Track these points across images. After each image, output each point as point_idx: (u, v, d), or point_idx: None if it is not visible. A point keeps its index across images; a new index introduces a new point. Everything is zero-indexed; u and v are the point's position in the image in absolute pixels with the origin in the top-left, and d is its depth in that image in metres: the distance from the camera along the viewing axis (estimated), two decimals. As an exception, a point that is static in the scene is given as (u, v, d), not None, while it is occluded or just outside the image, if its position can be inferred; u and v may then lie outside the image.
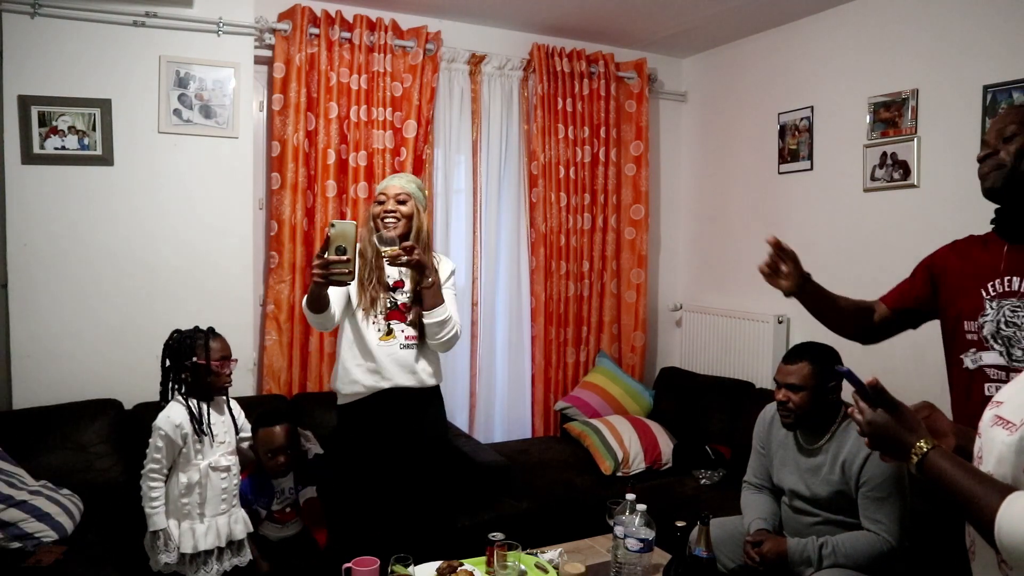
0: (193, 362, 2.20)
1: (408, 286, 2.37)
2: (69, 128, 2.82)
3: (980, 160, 1.62)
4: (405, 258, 2.17)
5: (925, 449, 1.08)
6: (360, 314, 2.33)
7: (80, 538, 2.35)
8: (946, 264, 1.80)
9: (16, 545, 2.22)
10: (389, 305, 2.35)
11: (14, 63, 2.76)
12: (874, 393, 1.15)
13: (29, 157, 2.78)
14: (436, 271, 2.32)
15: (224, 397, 2.35)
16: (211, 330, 2.29)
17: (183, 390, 2.23)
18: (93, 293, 2.90)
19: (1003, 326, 1.60)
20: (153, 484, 2.15)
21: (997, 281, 1.63)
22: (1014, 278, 1.60)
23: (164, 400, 2.23)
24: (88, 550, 2.29)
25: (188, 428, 2.16)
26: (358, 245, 2.23)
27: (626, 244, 4.07)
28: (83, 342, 2.89)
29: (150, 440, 2.17)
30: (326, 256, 2.03)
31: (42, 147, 2.79)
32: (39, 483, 2.42)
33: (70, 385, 2.85)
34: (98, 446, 2.72)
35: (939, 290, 1.80)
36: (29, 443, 2.60)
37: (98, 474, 2.67)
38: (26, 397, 2.80)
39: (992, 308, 1.63)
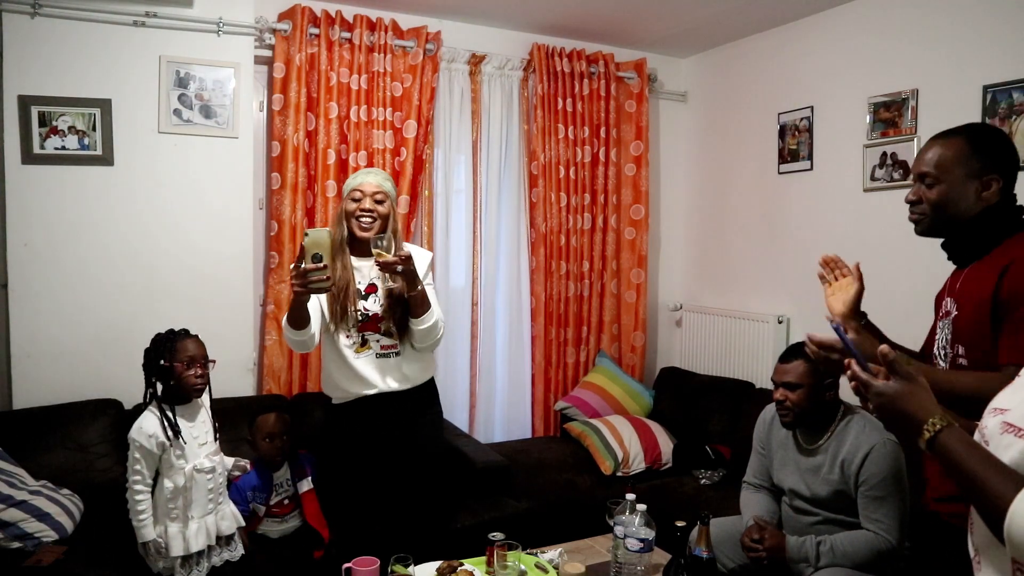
0: (160, 365, 2.18)
1: (381, 291, 2.27)
2: (69, 128, 2.83)
3: (907, 202, 1.66)
4: (401, 268, 2.09)
5: (939, 427, 1.03)
6: (332, 327, 2.27)
7: (80, 538, 2.35)
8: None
9: (16, 545, 2.22)
10: (361, 317, 2.26)
11: (14, 63, 2.76)
12: (886, 364, 1.10)
13: (29, 157, 2.78)
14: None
15: (202, 400, 2.30)
16: (183, 331, 2.26)
17: (160, 395, 2.20)
18: (93, 293, 2.90)
19: (945, 344, 1.63)
20: (139, 497, 2.12)
21: (944, 303, 1.67)
22: (948, 299, 1.65)
23: (143, 405, 2.20)
24: (88, 550, 2.29)
25: (162, 436, 2.13)
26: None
27: (626, 244, 4.06)
28: (83, 342, 2.89)
29: (128, 454, 2.14)
30: (303, 266, 2.00)
31: (42, 147, 2.79)
32: (39, 483, 2.42)
33: (70, 385, 2.85)
34: (98, 446, 2.72)
35: None
36: (29, 443, 2.60)
37: (98, 474, 2.67)
38: (26, 397, 2.80)
39: (939, 329, 1.67)
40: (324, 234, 2.03)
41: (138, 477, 2.13)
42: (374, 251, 2.11)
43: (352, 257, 2.30)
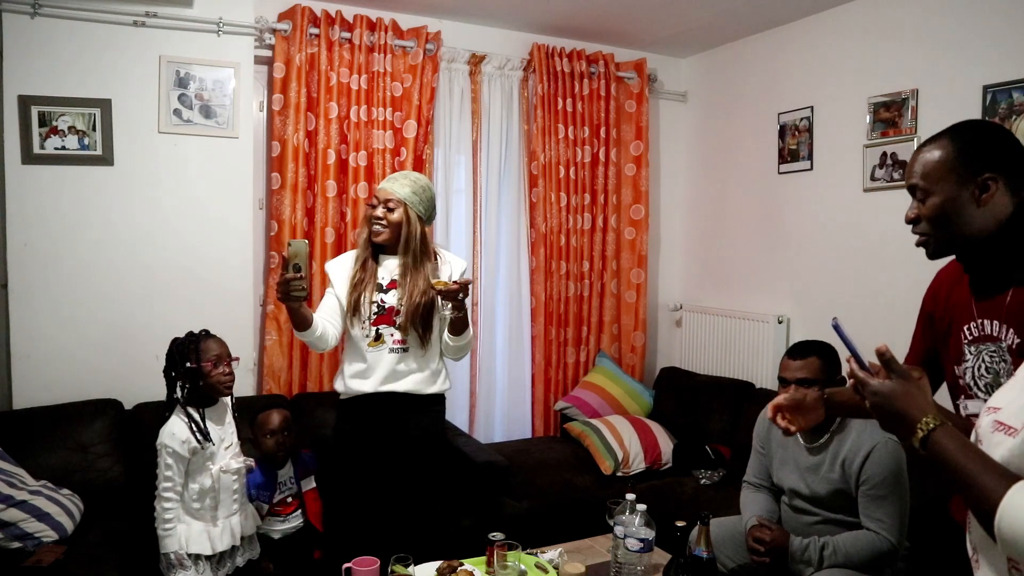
0: (187, 367, 2.18)
1: (402, 288, 2.30)
2: (69, 128, 2.83)
3: (907, 222, 1.48)
4: (462, 296, 2.20)
5: (932, 426, 1.04)
6: (350, 316, 2.33)
7: (80, 538, 2.35)
8: (934, 306, 1.64)
9: (16, 545, 2.22)
10: (376, 310, 2.30)
11: (14, 63, 2.76)
12: (883, 363, 1.11)
13: (29, 157, 2.78)
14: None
15: (227, 401, 2.30)
16: (204, 332, 2.26)
17: (185, 399, 2.19)
18: (93, 293, 2.90)
19: (984, 372, 1.47)
20: (168, 505, 2.11)
21: (973, 324, 1.50)
22: (985, 321, 1.47)
23: (168, 411, 2.19)
24: (88, 550, 2.29)
25: (193, 440, 2.13)
26: (354, 252, 2.39)
27: (626, 244, 4.06)
28: (83, 342, 2.89)
29: (158, 460, 2.12)
30: (285, 276, 2.10)
31: (42, 147, 2.79)
32: (39, 483, 2.42)
33: (70, 385, 2.85)
34: (98, 446, 2.72)
35: (936, 334, 1.64)
36: (29, 443, 2.60)
37: (98, 474, 2.67)
38: (26, 397, 2.80)
39: (971, 354, 1.50)
40: (302, 245, 2.13)
41: (169, 484, 2.11)
42: (433, 281, 2.23)
43: (380, 255, 2.37)
